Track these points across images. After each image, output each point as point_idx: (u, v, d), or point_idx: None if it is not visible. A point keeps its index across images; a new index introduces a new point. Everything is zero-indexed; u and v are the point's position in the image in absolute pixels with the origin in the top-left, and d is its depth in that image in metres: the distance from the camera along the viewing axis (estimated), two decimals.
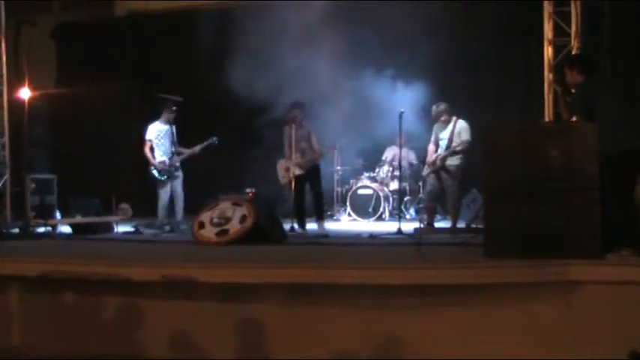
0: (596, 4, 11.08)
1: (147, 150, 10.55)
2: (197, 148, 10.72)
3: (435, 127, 10.12)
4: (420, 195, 12.85)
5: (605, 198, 6.12)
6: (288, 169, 10.43)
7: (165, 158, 10.47)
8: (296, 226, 10.18)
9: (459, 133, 9.83)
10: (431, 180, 10.03)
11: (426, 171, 10.31)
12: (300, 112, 10.53)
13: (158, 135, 10.51)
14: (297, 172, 10.35)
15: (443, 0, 12.51)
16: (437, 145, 10.05)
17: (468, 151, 9.76)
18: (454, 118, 9.94)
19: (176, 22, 13.80)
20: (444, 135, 9.96)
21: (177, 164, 10.56)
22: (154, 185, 10.85)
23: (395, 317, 5.91)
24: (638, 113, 7.63)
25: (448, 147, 9.84)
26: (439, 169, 9.87)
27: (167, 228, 10.37)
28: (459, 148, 9.78)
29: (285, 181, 10.52)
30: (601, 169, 6.15)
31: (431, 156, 10.07)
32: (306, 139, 10.44)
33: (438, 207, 12.10)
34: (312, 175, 10.47)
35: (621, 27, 11.27)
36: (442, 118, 9.98)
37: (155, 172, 10.45)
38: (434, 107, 10.09)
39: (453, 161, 9.84)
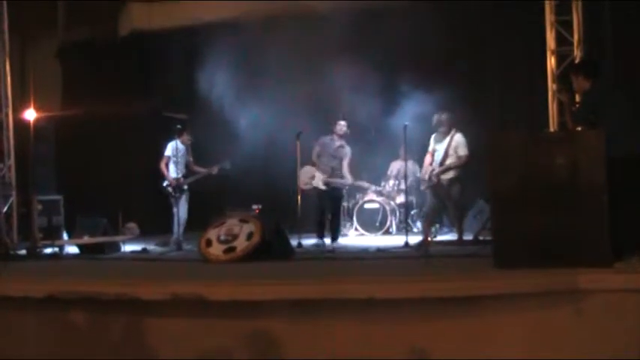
0: (599, 13, 11.12)
1: (163, 165, 10.77)
2: (215, 169, 10.83)
3: (434, 136, 9.98)
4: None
5: (615, 205, 6.11)
6: (313, 177, 10.41)
7: (179, 176, 10.57)
8: (303, 241, 10.12)
9: (456, 147, 9.69)
10: (428, 196, 9.95)
11: (422, 186, 10.26)
12: (345, 127, 10.48)
13: (177, 153, 10.60)
14: (321, 186, 10.36)
15: (445, 12, 12.55)
16: (433, 157, 9.91)
17: (466, 164, 9.69)
18: (453, 131, 9.82)
19: (180, 40, 13.84)
20: (440, 147, 9.82)
21: (186, 187, 10.66)
22: (161, 203, 10.89)
23: (406, 331, 5.88)
24: None
25: (442, 161, 9.72)
26: (435, 185, 9.75)
27: (183, 245, 10.37)
28: (454, 164, 9.67)
29: (307, 188, 10.46)
30: (610, 174, 6.14)
31: (426, 168, 9.94)
32: (340, 159, 10.49)
33: (444, 218, 12.13)
34: (334, 194, 10.56)
35: (625, 34, 11.29)
36: (442, 129, 9.84)
37: (169, 188, 10.54)
38: (436, 116, 9.91)
39: (448, 175, 9.72)
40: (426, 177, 9.90)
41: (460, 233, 9.83)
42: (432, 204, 9.91)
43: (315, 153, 10.60)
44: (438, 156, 9.81)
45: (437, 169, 9.74)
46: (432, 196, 9.88)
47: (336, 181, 10.38)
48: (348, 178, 10.61)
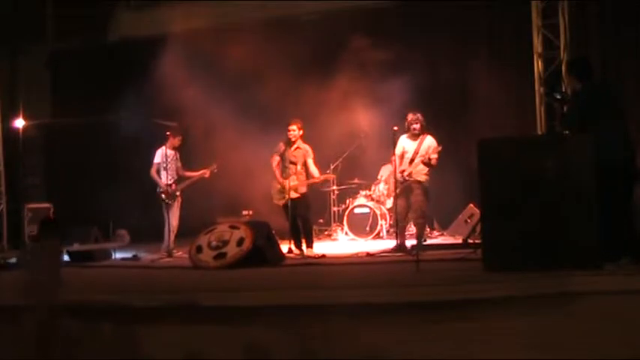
0: (585, 16, 11.20)
1: (154, 173, 10.73)
2: (207, 172, 10.81)
3: (403, 137, 9.66)
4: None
5: (604, 207, 6.14)
6: (282, 190, 10.03)
7: (171, 182, 10.57)
8: (293, 247, 10.03)
9: (427, 149, 9.44)
10: (398, 200, 9.66)
11: (391, 190, 10.03)
12: (297, 129, 10.00)
13: (166, 159, 10.61)
14: (293, 195, 9.84)
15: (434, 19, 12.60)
16: (402, 160, 9.60)
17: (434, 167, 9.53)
18: (424, 133, 9.62)
19: (170, 46, 13.82)
20: (410, 149, 9.56)
21: (178, 193, 10.66)
22: (151, 210, 10.87)
23: (396, 335, 5.89)
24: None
25: (411, 162, 9.49)
26: (406, 186, 9.51)
27: (175, 252, 10.35)
28: (426, 160, 9.39)
29: (281, 203, 10.21)
30: (598, 178, 6.17)
31: (399, 169, 9.57)
32: (302, 161, 10.01)
33: (434, 222, 12.15)
34: (301, 199, 9.97)
35: (611, 38, 11.37)
36: (414, 129, 9.56)
37: (163, 195, 10.54)
38: (410, 115, 9.63)
39: (418, 177, 9.49)
40: (399, 177, 9.56)
41: (418, 239, 9.65)
42: (401, 207, 9.62)
43: (274, 163, 10.14)
44: (407, 158, 9.55)
45: (408, 169, 9.48)
46: (401, 199, 9.60)
47: (303, 182, 9.96)
48: (318, 178, 10.13)
